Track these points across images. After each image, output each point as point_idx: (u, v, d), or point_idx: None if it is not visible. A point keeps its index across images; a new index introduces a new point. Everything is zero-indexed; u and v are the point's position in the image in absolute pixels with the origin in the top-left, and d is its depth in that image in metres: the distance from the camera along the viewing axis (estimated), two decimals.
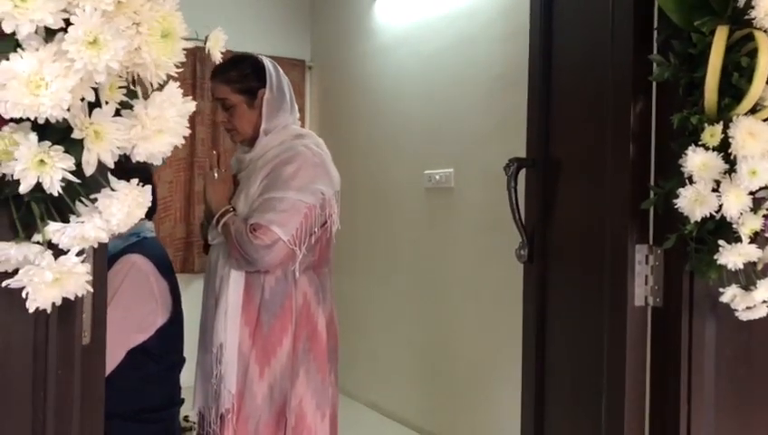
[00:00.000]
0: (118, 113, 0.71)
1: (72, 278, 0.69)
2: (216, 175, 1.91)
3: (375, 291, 3.91)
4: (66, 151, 0.68)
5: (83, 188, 0.72)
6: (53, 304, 0.76)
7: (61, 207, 0.74)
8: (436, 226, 3.42)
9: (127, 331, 1.84)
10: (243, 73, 1.90)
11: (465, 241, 3.22)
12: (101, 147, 0.69)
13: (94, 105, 0.69)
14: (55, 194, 0.67)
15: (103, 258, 0.90)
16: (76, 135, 0.67)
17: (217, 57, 0.79)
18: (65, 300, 0.79)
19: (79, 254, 0.71)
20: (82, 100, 0.68)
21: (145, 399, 1.91)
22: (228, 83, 1.89)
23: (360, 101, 4.07)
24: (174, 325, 1.97)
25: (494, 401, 3.00)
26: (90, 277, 0.72)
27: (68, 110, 0.64)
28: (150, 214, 2.09)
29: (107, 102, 0.69)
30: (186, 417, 2.30)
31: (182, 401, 2.06)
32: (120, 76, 0.70)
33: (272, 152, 1.87)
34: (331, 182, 1.92)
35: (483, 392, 3.09)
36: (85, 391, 0.87)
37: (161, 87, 0.73)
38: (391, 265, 3.76)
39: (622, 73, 1.44)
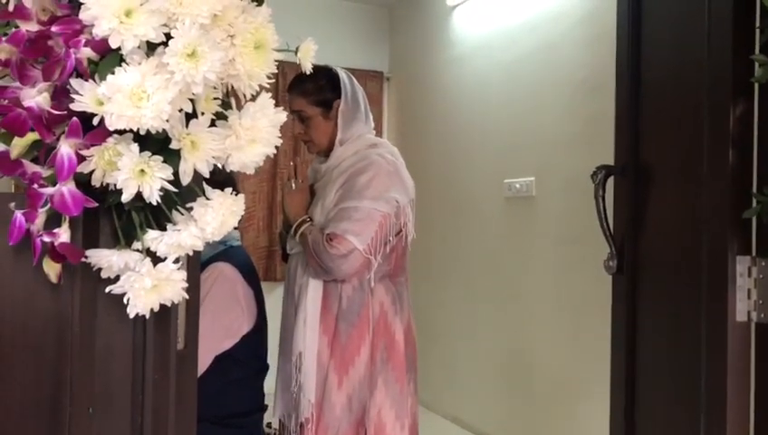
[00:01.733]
0: (213, 124, 0.72)
1: (170, 285, 0.71)
2: (293, 185, 1.94)
3: (454, 301, 3.87)
4: (164, 162, 0.70)
5: (180, 197, 0.73)
6: (151, 310, 0.79)
7: (158, 216, 0.76)
8: (517, 236, 3.36)
9: (215, 337, 1.88)
10: (318, 85, 1.92)
11: (546, 251, 3.14)
12: (197, 157, 0.70)
13: (190, 116, 0.71)
14: (154, 203, 0.69)
15: (197, 266, 0.92)
16: (174, 145, 0.69)
17: (308, 67, 0.80)
18: (161, 306, 0.82)
19: (175, 261, 0.73)
20: (180, 111, 0.69)
21: (230, 404, 1.95)
22: (304, 96, 1.92)
23: (438, 110, 4.06)
24: (258, 332, 2.01)
25: (575, 417, 2.90)
26: (185, 284, 0.74)
27: (167, 121, 0.65)
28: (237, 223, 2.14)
29: (203, 113, 0.71)
30: (268, 423, 2.34)
31: (265, 408, 2.09)
32: (215, 87, 0.72)
33: (347, 162, 1.88)
34: (406, 190, 1.92)
35: (564, 407, 3.00)
36: (180, 395, 0.89)
37: (254, 98, 0.74)
38: (470, 276, 3.72)
39: (720, 74, 1.37)
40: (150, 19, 0.62)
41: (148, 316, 0.73)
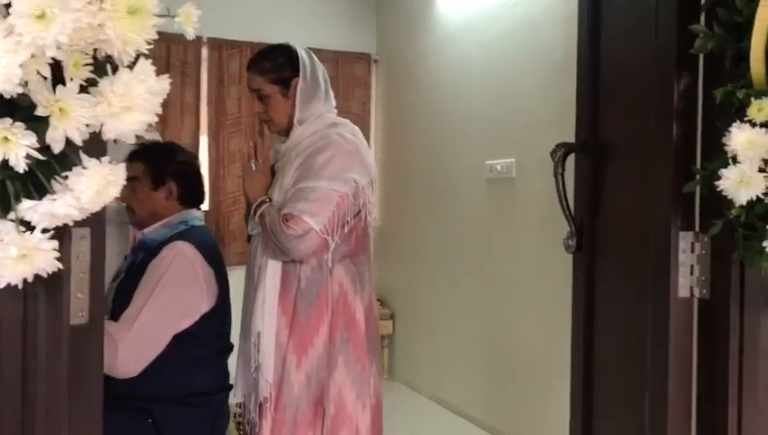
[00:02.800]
0: (86, 91, 0.71)
1: (40, 255, 0.70)
2: (253, 166, 1.93)
3: (436, 283, 3.86)
4: (35, 129, 0.68)
5: (59, 166, 0.72)
6: (41, 280, 0.78)
7: (41, 186, 0.75)
8: (498, 217, 3.34)
9: (173, 316, 1.88)
10: (276, 63, 1.90)
11: (527, 232, 3.12)
12: (68, 124, 0.69)
13: (61, 83, 0.69)
14: (20, 171, 0.68)
15: (101, 237, 0.91)
16: (40, 112, 0.68)
17: (190, 34, 0.78)
18: (52, 278, 0.81)
19: (44, 231, 0.72)
20: (46, 78, 0.68)
21: (192, 383, 1.96)
22: (262, 74, 1.90)
23: (424, 92, 4.03)
24: (220, 312, 2.01)
25: (556, 397, 2.89)
26: (57, 254, 0.73)
27: (26, 85, 0.64)
28: (197, 203, 2.13)
29: (72, 80, 0.69)
30: (239, 404, 2.34)
31: (230, 387, 2.09)
32: (87, 53, 0.71)
33: (305, 142, 1.87)
34: (367, 171, 1.89)
35: (545, 387, 2.99)
36: (82, 368, 0.89)
37: (133, 65, 0.73)
38: (453, 258, 3.71)
39: (666, 47, 1.34)
40: None
41: (20, 286, 0.72)
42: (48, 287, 0.81)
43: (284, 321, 1.86)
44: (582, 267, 1.75)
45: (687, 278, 1.33)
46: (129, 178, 2.03)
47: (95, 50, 0.72)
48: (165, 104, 3.35)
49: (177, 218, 2.04)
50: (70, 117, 0.69)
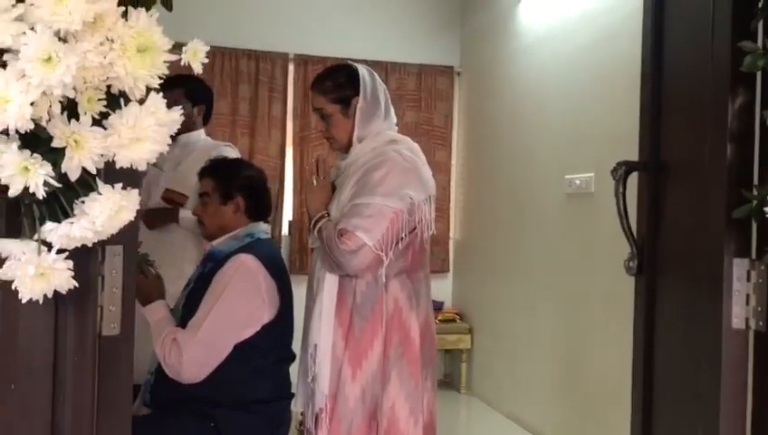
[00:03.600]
0: (100, 124, 0.77)
1: (56, 274, 0.77)
2: (314, 182, 1.98)
3: (514, 298, 3.80)
4: (54, 159, 0.75)
5: (75, 192, 0.79)
6: (71, 294, 0.86)
7: (66, 211, 0.82)
8: (577, 232, 3.25)
9: (234, 326, 1.97)
10: (337, 83, 1.95)
11: (605, 249, 3.01)
12: (83, 154, 0.75)
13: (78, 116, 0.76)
14: (40, 197, 0.75)
15: (132, 256, 0.97)
16: (56, 144, 0.75)
17: (198, 69, 0.83)
18: (80, 292, 0.88)
19: (60, 251, 0.78)
20: (63, 112, 0.75)
21: (252, 391, 2.03)
22: (324, 93, 1.95)
23: (505, 104, 3.98)
24: (281, 323, 2.07)
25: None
26: (72, 273, 0.79)
27: (41, 121, 0.71)
28: (264, 217, 2.22)
29: (86, 113, 0.75)
30: (302, 412, 2.39)
31: (292, 395, 2.15)
32: (101, 89, 0.77)
33: (363, 159, 1.90)
34: (423, 187, 1.90)
35: (620, 412, 2.86)
36: (112, 377, 0.95)
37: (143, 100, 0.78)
38: (530, 273, 3.63)
39: (720, 64, 1.28)
40: (10, 26, 0.67)
41: (41, 301, 0.79)
42: (77, 301, 0.88)
43: (341, 334, 1.90)
44: (643, 291, 1.68)
45: (743, 308, 1.25)
46: (200, 194, 2.17)
47: (109, 85, 0.78)
48: (253, 117, 3.53)
49: (243, 231, 2.13)
50: (84, 148, 0.75)
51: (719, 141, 1.28)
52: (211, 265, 2.08)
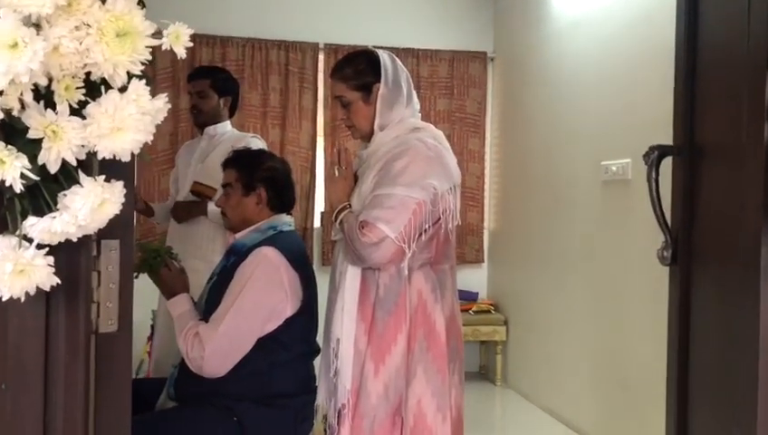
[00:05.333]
0: (80, 113, 0.74)
1: (36, 270, 0.74)
2: (336, 172, 1.94)
3: (549, 289, 3.70)
4: (32, 151, 0.72)
5: (58, 185, 0.76)
6: (63, 290, 0.83)
7: (49, 204, 0.79)
8: (613, 220, 3.14)
9: (256, 319, 1.94)
10: (357, 70, 1.89)
11: (643, 238, 2.90)
12: (61, 145, 0.72)
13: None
14: (17, 190, 0.72)
15: (129, 250, 0.94)
16: (32, 135, 0.72)
17: (181, 53, 0.79)
18: (72, 288, 0.85)
19: (40, 247, 0.75)
20: (39, 101, 0.71)
21: (275, 385, 2.00)
22: (344, 81, 1.90)
23: (539, 90, 3.87)
24: (304, 316, 2.04)
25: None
26: (52, 269, 0.76)
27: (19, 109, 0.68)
28: (287, 209, 2.18)
29: (63, 102, 0.72)
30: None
31: (315, 389, 2.12)
32: (79, 77, 0.73)
33: (385, 148, 1.84)
34: (448, 176, 1.83)
35: (657, 404, 2.76)
36: (109, 374, 0.93)
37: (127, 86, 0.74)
38: (566, 263, 3.53)
39: (757, 46, 1.19)
40: None
41: (23, 299, 0.76)
42: (68, 297, 0.85)
43: (363, 328, 1.85)
44: (678, 281, 1.60)
45: None
46: (223, 185, 2.15)
47: (89, 73, 0.74)
48: (284, 108, 3.49)
49: (266, 223, 2.10)
50: (63, 139, 0.72)
51: (756, 124, 1.19)
52: (234, 259, 2.06)
